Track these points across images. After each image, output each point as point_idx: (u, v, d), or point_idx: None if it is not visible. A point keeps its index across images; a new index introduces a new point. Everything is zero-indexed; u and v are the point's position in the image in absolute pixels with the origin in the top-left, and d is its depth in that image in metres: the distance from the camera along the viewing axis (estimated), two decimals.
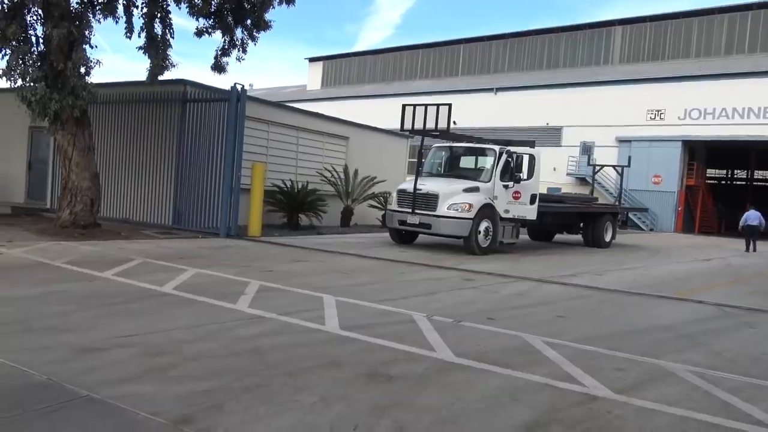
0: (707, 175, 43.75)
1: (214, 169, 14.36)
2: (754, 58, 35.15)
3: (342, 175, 19.09)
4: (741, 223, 22.29)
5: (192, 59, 60.66)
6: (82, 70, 12.22)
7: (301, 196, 16.85)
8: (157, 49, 13.09)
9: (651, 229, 34.05)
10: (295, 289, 7.86)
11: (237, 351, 4.97)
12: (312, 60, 58.48)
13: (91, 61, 12.37)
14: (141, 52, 13.22)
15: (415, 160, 15.36)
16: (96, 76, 13.61)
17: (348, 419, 3.67)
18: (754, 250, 21.71)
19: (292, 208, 16.85)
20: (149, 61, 13.12)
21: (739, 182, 52.49)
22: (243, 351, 4.98)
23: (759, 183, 51.99)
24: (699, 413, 4.19)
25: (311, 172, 18.44)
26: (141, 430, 3.38)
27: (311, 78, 57.86)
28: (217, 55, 14.21)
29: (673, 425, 3.95)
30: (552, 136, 37.99)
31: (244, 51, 14.26)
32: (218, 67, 14.25)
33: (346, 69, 55.52)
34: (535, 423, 3.82)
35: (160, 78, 13.49)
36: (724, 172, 53.77)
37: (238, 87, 13.92)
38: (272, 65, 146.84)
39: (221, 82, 61.17)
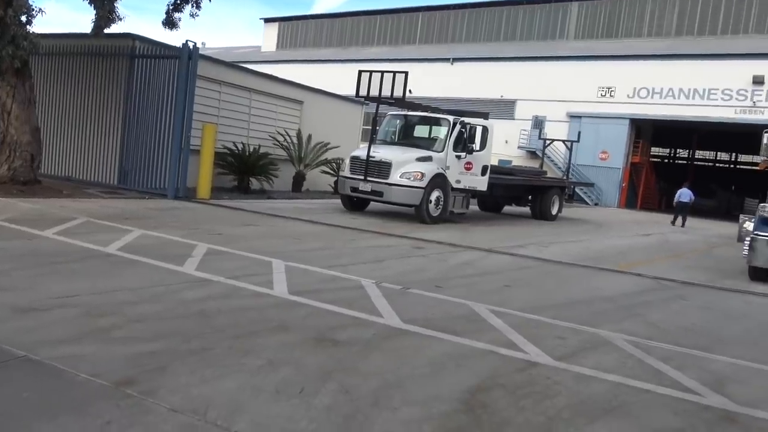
0: (651, 153, 45.11)
1: (163, 128, 13.94)
2: (702, 40, 36.08)
3: (295, 140, 18.85)
4: (675, 199, 24.05)
5: (142, 13, 58.34)
6: (23, 18, 11.58)
7: (252, 159, 16.58)
8: (102, 0, 12.51)
9: (596, 204, 35.00)
10: (244, 253, 7.79)
11: (183, 314, 4.92)
12: (268, 21, 56.98)
13: (33, 9, 11.75)
14: (86, 2, 12.62)
15: (370, 127, 15.28)
16: (38, 26, 12.95)
17: (294, 382, 3.69)
18: (683, 225, 23.17)
19: (243, 171, 16.58)
20: (94, 12, 12.55)
21: (680, 161, 54.39)
22: (189, 314, 4.93)
23: (699, 162, 54.00)
24: (632, 380, 4.38)
25: (264, 136, 18.13)
26: (81, 391, 3.32)
27: (266, 39, 56.44)
28: (168, 9, 13.71)
29: (608, 391, 4.13)
30: (506, 108, 38.33)
31: (198, 7, 13.80)
32: (170, 23, 13.76)
33: (303, 32, 54.38)
34: (478, 388, 3.93)
35: (107, 31, 12.94)
36: (668, 151, 55.60)
37: (190, 44, 13.47)
38: (227, 25, 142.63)
39: (173, 39, 59.20)
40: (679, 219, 23.54)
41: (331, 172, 19.26)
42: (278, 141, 18.29)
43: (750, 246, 9.83)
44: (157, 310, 4.94)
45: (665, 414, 3.83)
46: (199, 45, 14.05)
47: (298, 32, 54.50)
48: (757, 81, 31.44)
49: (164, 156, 13.89)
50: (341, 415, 3.32)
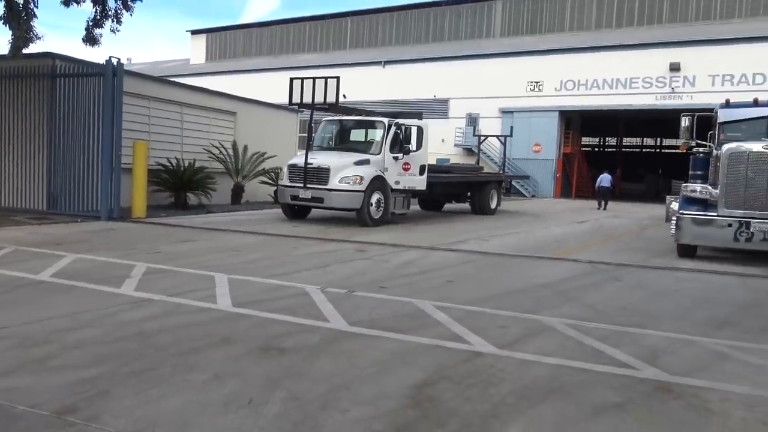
0: (582, 143, 46.66)
1: (92, 148, 13.51)
2: (621, 31, 37.58)
3: (231, 152, 18.60)
4: (596, 185, 26.02)
5: (62, 31, 56.31)
6: None
7: (187, 174, 16.27)
8: (18, 19, 12.05)
9: (533, 196, 35.91)
10: (184, 270, 7.65)
11: (123, 336, 4.80)
12: (195, 33, 55.97)
13: None
14: (0, 22, 12.12)
15: (306, 134, 15.25)
16: None
17: (242, 394, 3.67)
18: (605, 208, 24.82)
19: (179, 187, 16.25)
20: (10, 32, 12.07)
21: (610, 149, 56.44)
22: (129, 335, 4.82)
23: (627, 149, 56.18)
24: (572, 361, 4.55)
25: (198, 150, 17.81)
26: (20, 424, 3.21)
27: (194, 52, 55.44)
28: (88, 26, 13.31)
29: (550, 373, 4.28)
30: (439, 108, 38.89)
31: (119, 22, 13.46)
32: (91, 39, 13.36)
33: (232, 42, 53.68)
34: (425, 382, 4.00)
35: (25, 51, 12.46)
36: (597, 139, 57.64)
37: (114, 60, 13.12)
38: (152, 39, 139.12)
39: (96, 56, 57.35)
40: (603, 203, 25.30)
41: (270, 181, 19.09)
42: (213, 154, 18.01)
43: (676, 225, 10.32)
44: (94, 335, 4.81)
45: (604, 390, 4.00)
46: (124, 61, 13.71)
47: (227, 43, 53.79)
48: (674, 68, 32.99)
49: (95, 177, 13.47)
50: (291, 422, 3.32)
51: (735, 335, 5.54)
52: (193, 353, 4.40)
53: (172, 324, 5.19)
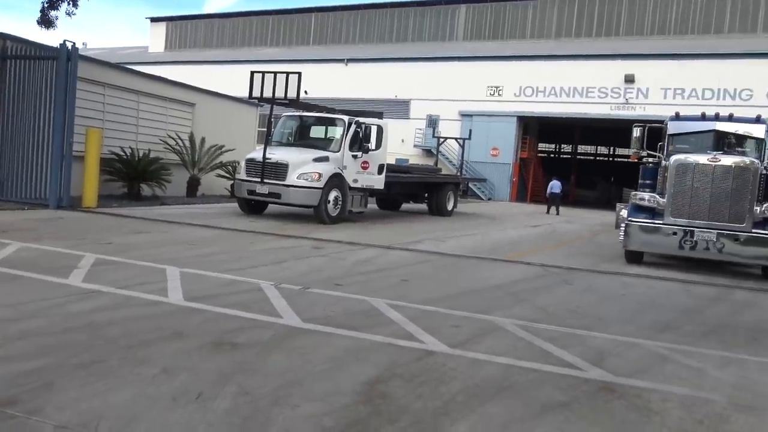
0: (539, 148, 47.53)
1: (43, 134, 13.07)
2: (580, 42, 38.46)
3: (187, 143, 18.29)
4: (548, 191, 27.10)
5: (16, 12, 54.33)
6: None
7: (142, 164, 15.93)
8: None
9: (489, 199, 36.41)
10: (135, 262, 7.50)
11: (70, 327, 4.68)
12: (154, 20, 54.80)
13: None
14: None
15: (265, 129, 15.11)
16: None
17: (192, 388, 3.63)
18: (557, 213, 25.82)
19: (133, 177, 15.90)
20: None
21: (565, 156, 57.66)
22: (77, 327, 4.70)
23: (582, 156, 57.49)
24: (522, 361, 4.66)
25: (154, 140, 17.45)
26: None
27: (153, 40, 54.27)
28: (44, 7, 12.91)
29: (500, 373, 4.36)
30: (400, 108, 39.05)
31: (75, 5, 13.13)
32: (45, 22, 12.98)
33: (192, 32, 52.75)
34: (377, 379, 4.03)
35: None
36: (553, 146, 58.82)
37: (69, 44, 12.74)
38: (111, 25, 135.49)
39: (51, 39, 55.43)
40: (553, 208, 26.27)
41: (227, 175, 18.85)
42: (170, 145, 17.67)
43: (625, 232, 10.64)
44: (40, 326, 4.68)
45: (551, 390, 4.10)
46: (79, 45, 13.32)
47: (188, 32, 52.85)
48: (629, 80, 33.94)
49: (44, 163, 13.05)
50: (241, 416, 3.31)
51: (677, 339, 5.75)
52: (143, 346, 4.33)
53: (121, 316, 5.09)
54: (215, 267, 7.56)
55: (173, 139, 17.79)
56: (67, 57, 12.69)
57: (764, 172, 10.57)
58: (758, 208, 10.00)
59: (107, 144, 15.03)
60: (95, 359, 4.00)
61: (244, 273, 7.33)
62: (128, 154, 15.80)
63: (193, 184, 18.50)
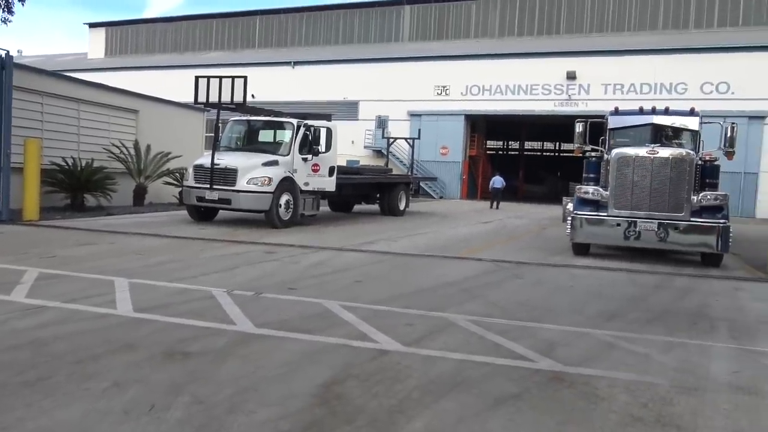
0: (487, 146, 48.25)
1: None
2: (522, 40, 39.25)
3: (132, 151, 17.87)
4: (490, 186, 28.78)
5: None
6: None
7: (85, 174, 15.49)
8: None
9: (440, 197, 36.78)
10: (81, 274, 7.30)
11: (13, 345, 4.54)
12: (93, 26, 53.23)
13: None
14: None
15: (213, 134, 14.90)
16: None
17: (144, 400, 3.58)
18: (497, 207, 27.46)
19: (76, 187, 15.44)
20: None
21: (513, 152, 58.72)
22: (21, 344, 4.56)
23: (529, 153, 58.65)
24: (475, 355, 4.75)
25: (97, 149, 16.99)
26: None
27: (93, 46, 52.72)
28: None
29: (454, 368, 4.44)
30: (349, 110, 39.04)
31: (10, 11, 12.65)
32: None
33: (134, 37, 51.47)
34: (333, 381, 4.05)
35: None
36: (501, 143, 59.82)
37: (2, 52, 12.28)
38: (49, 32, 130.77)
39: None
40: (496, 203, 27.97)
41: (175, 182, 18.50)
42: (114, 153, 17.24)
43: (571, 225, 10.94)
44: None
45: (503, 382, 4.20)
46: (14, 53, 12.86)
47: (128, 38, 51.58)
48: (571, 76, 34.83)
49: None
50: (195, 426, 3.28)
51: (623, 326, 5.96)
52: (91, 361, 4.23)
53: (68, 331, 4.95)
54: (165, 276, 7.44)
55: (117, 147, 17.36)
56: (1, 66, 12.24)
57: (700, 162, 11.04)
58: (695, 198, 10.44)
59: (47, 154, 14.57)
60: (41, 376, 3.89)
61: (195, 281, 7.23)
62: (70, 164, 15.34)
63: (139, 193, 18.09)
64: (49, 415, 3.33)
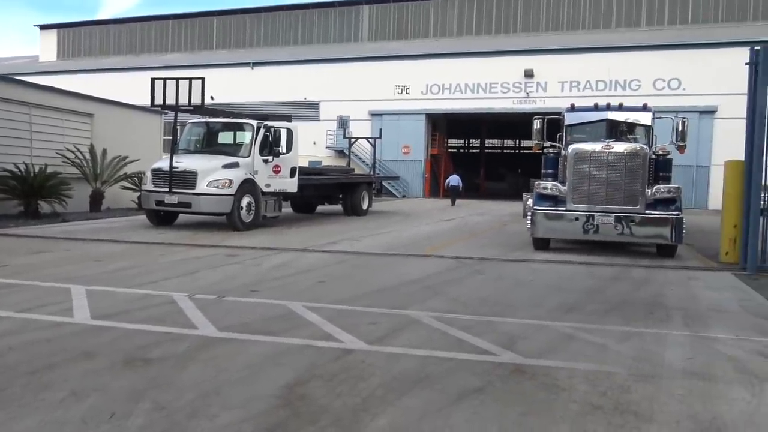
0: (448, 144, 48.67)
1: None
2: (481, 39, 39.68)
3: (88, 156, 17.45)
4: (447, 184, 30.08)
5: None
6: None
7: (38, 180, 15.06)
8: None
9: (403, 196, 36.93)
10: (36, 283, 7.11)
11: None
12: (44, 28, 51.81)
13: None
14: None
15: (171, 137, 14.67)
16: None
17: (103, 409, 3.51)
18: (453, 204, 28.74)
19: (29, 194, 15.00)
20: None
21: (474, 150, 59.33)
22: None
23: (489, 150, 59.34)
24: (438, 351, 4.80)
25: (51, 154, 16.54)
26: None
27: (44, 48, 51.31)
28: None
29: (417, 365, 4.47)
30: (310, 110, 38.88)
31: None
32: None
33: (87, 39, 50.29)
34: (296, 382, 4.04)
35: None
36: (462, 141, 60.36)
37: None
38: None
39: None
40: (454, 200, 29.38)
41: (134, 187, 18.14)
42: (68, 158, 16.81)
43: (531, 220, 11.12)
44: None
45: (466, 376, 4.25)
46: None
47: (82, 40, 50.37)
48: (528, 74, 35.38)
49: None
50: None
51: (582, 318, 6.10)
52: (47, 370, 4.13)
53: (22, 341, 4.82)
54: (124, 282, 7.30)
55: (72, 152, 16.93)
56: None
57: (653, 156, 11.34)
58: (649, 191, 10.72)
59: None
60: None
61: (155, 286, 7.12)
62: (22, 170, 14.91)
63: (96, 198, 17.68)
64: (5, 427, 3.24)
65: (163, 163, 13.65)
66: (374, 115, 37.97)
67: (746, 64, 9.35)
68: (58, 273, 7.85)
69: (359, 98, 37.92)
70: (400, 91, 37.97)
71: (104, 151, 17.74)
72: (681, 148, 11.85)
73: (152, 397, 3.69)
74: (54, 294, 6.58)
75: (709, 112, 31.91)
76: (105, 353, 4.55)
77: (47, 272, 7.88)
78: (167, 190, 13.18)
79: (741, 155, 9.57)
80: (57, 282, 7.18)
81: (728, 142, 23.40)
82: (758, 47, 9.25)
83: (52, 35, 51.16)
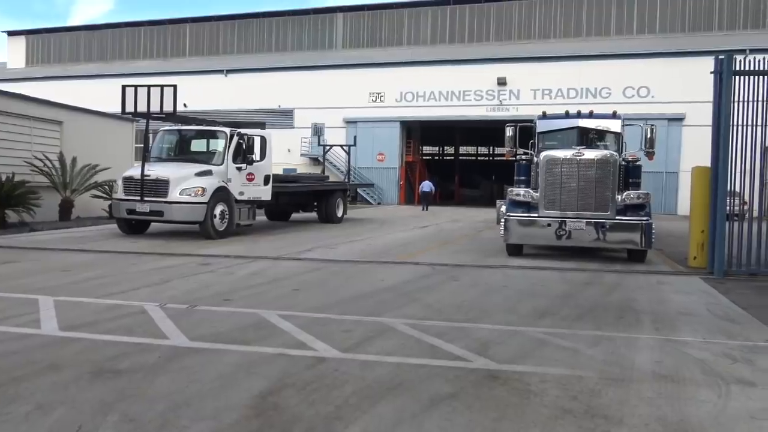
0: (423, 151, 48.89)
1: None
2: (454, 47, 40.01)
3: (57, 164, 17.15)
4: (419, 190, 31.36)
5: None
6: None
7: (5, 189, 14.75)
8: None
9: (378, 203, 36.97)
10: (2, 294, 6.95)
11: None
12: (12, 34, 50.93)
13: None
14: None
15: (143, 145, 14.50)
16: None
17: (70, 422, 3.44)
18: (426, 209, 29.53)
19: None
20: None
21: (448, 157, 59.68)
22: None
23: (464, 157, 59.75)
24: (411, 358, 4.80)
25: (18, 162, 16.21)
26: None
27: (12, 55, 50.43)
28: None
29: (390, 372, 4.47)
30: (284, 118, 38.79)
31: None
32: None
33: (57, 45, 49.54)
34: (269, 391, 4.01)
35: None
36: (437, 148, 60.69)
37: None
38: None
39: None
40: (425, 206, 30.35)
41: (104, 195, 17.87)
42: (36, 167, 16.50)
43: (504, 227, 11.21)
44: None
45: (439, 383, 4.26)
46: None
47: (52, 46, 49.62)
48: (501, 82, 35.77)
49: None
50: None
51: (554, 323, 6.16)
52: (13, 384, 4.04)
53: None
54: (94, 292, 7.18)
55: (40, 160, 16.62)
56: None
57: (623, 163, 11.53)
58: (619, 197, 10.89)
59: None
60: None
61: (125, 296, 7.01)
62: None
63: (66, 207, 17.36)
64: None
65: (135, 171, 13.48)
66: (349, 122, 38.01)
67: (711, 72, 9.57)
68: (26, 284, 7.69)
69: (334, 105, 37.92)
70: (374, 99, 38.07)
71: (74, 160, 17.44)
72: (650, 155, 12.07)
73: (121, 410, 3.63)
74: (21, 305, 6.44)
75: (678, 119, 32.57)
76: (73, 365, 4.47)
77: (14, 283, 7.72)
78: (139, 198, 13.02)
79: (709, 162, 9.77)
80: (24, 293, 7.03)
81: (696, 148, 23.96)
82: (722, 56, 9.48)
83: (21, 41, 50.33)
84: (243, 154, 14.14)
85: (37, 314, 6.03)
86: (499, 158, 59.76)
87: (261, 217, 17.04)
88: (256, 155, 14.51)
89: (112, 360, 4.60)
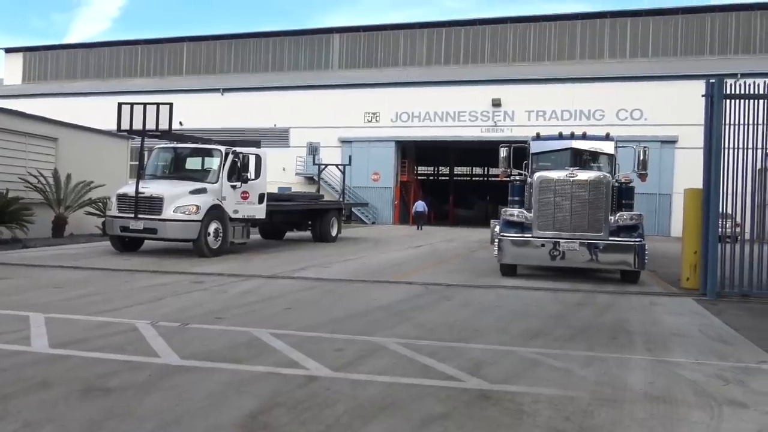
0: (418, 171, 49.05)
1: None
2: (449, 69, 40.35)
3: (51, 181, 17.13)
4: (413, 210, 31.79)
5: None
6: None
7: None
8: None
9: (373, 222, 36.99)
10: None
11: None
12: (9, 51, 51.15)
13: None
14: None
15: (138, 162, 14.52)
16: None
17: None
18: (421, 229, 29.96)
19: None
20: None
21: (443, 177, 59.86)
22: None
23: (458, 178, 59.95)
24: (403, 377, 4.78)
25: (12, 178, 16.20)
26: None
27: (9, 71, 50.59)
28: None
29: (382, 391, 4.45)
30: (280, 137, 38.92)
31: None
32: None
33: (54, 63, 49.74)
34: (260, 410, 3.98)
35: None
36: (432, 169, 60.90)
37: None
38: None
39: None
40: (419, 225, 30.91)
41: (98, 212, 17.83)
42: (31, 183, 16.48)
43: (498, 247, 11.23)
44: None
45: (431, 402, 4.24)
46: None
47: (49, 63, 49.82)
48: (496, 103, 36.06)
49: None
50: None
51: (546, 343, 6.15)
52: (1, 401, 3.99)
53: None
54: (85, 310, 7.14)
55: (35, 176, 16.61)
56: None
57: (616, 184, 11.60)
58: (612, 218, 10.94)
59: None
60: None
61: (117, 314, 6.97)
62: None
63: (59, 224, 17.32)
64: None
65: (129, 189, 13.48)
66: (344, 142, 38.17)
67: (702, 96, 9.69)
68: (17, 300, 7.64)
69: (329, 125, 38.12)
70: (369, 119, 38.29)
71: (68, 176, 17.43)
72: (642, 177, 12.15)
73: (110, 428, 3.60)
74: (11, 322, 6.39)
75: (670, 141, 32.85)
76: (62, 383, 4.43)
77: (5, 300, 7.66)
78: (133, 215, 13.00)
79: (701, 183, 9.84)
80: (15, 309, 6.98)
81: (689, 170, 24.06)
82: (713, 80, 9.60)
83: (18, 58, 50.51)
84: (238, 172, 14.17)
85: (27, 331, 5.98)
86: (493, 179, 60.05)
87: (255, 235, 17.03)
88: (251, 173, 14.54)
89: (102, 378, 4.57)
